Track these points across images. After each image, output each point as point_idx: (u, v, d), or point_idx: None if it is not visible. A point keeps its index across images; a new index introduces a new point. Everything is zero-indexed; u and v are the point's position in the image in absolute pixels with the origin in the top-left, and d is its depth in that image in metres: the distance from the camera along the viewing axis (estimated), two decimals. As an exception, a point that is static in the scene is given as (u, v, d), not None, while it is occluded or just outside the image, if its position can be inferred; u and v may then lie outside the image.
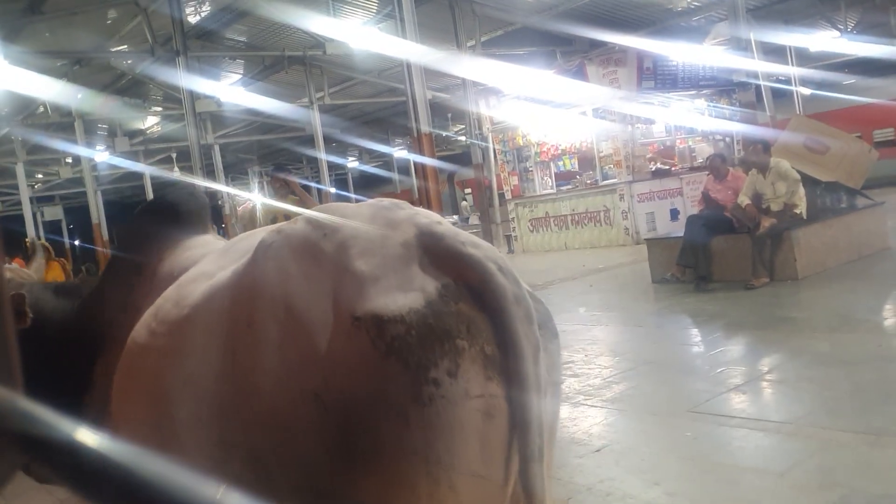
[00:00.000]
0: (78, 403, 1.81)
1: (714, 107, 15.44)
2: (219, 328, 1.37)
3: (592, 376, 5.29)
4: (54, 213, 30.37)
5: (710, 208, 8.62)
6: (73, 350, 1.89)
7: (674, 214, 14.11)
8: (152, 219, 2.05)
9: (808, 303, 6.88)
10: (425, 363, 1.20)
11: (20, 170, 21.50)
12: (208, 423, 1.35)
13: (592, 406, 4.62)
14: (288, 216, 6.09)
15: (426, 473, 1.20)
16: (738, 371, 5.02)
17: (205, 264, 1.64)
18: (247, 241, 1.58)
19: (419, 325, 1.21)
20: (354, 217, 1.40)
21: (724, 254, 8.05)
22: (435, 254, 1.31)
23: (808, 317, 6.33)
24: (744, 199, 8.00)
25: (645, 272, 9.16)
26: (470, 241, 1.35)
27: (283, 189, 6.81)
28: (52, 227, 30.53)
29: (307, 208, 6.31)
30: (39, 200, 31.33)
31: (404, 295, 1.24)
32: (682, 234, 8.44)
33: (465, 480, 1.22)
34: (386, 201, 1.48)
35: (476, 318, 1.25)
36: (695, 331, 6.67)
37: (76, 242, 32.25)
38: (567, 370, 5.53)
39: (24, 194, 21.83)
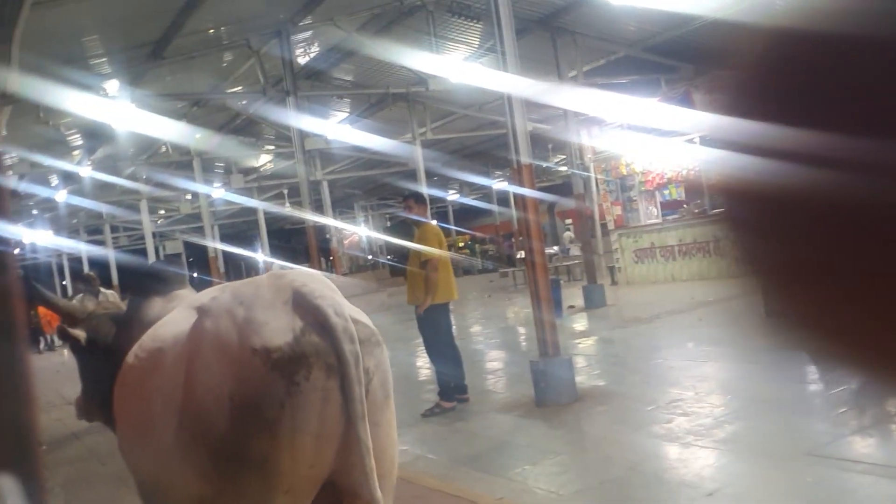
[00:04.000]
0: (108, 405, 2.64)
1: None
2: (179, 356, 2.20)
3: (703, 415, 5.08)
4: (175, 246, 31.84)
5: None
6: (112, 361, 2.63)
7: (789, 244, 13.49)
8: (150, 278, 2.92)
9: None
10: (292, 373, 2.07)
11: (144, 206, 22.91)
12: (171, 414, 2.17)
13: (703, 447, 4.43)
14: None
15: (290, 433, 2.07)
16: (863, 412, 4.71)
17: (173, 314, 2.44)
18: (199, 301, 2.39)
19: (289, 351, 2.08)
20: (258, 284, 2.28)
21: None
22: (300, 305, 2.17)
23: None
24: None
25: (758, 305, 8.75)
26: (321, 294, 2.18)
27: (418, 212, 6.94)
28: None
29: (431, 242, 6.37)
30: (162, 235, 33.14)
31: (282, 333, 2.10)
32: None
33: (309, 437, 2.10)
34: (278, 273, 2.36)
35: (320, 344, 2.12)
36: (813, 367, 6.30)
37: (195, 274, 33.63)
38: (676, 409, 5.34)
39: (147, 229, 23.20)
